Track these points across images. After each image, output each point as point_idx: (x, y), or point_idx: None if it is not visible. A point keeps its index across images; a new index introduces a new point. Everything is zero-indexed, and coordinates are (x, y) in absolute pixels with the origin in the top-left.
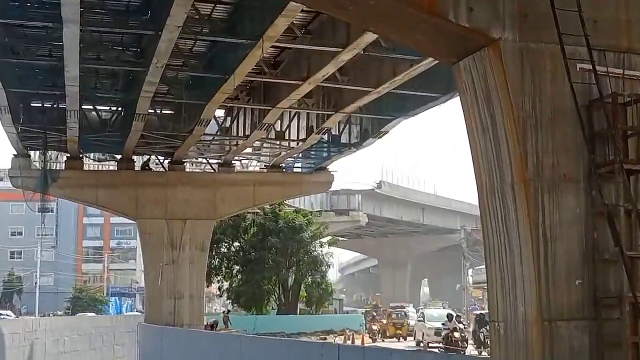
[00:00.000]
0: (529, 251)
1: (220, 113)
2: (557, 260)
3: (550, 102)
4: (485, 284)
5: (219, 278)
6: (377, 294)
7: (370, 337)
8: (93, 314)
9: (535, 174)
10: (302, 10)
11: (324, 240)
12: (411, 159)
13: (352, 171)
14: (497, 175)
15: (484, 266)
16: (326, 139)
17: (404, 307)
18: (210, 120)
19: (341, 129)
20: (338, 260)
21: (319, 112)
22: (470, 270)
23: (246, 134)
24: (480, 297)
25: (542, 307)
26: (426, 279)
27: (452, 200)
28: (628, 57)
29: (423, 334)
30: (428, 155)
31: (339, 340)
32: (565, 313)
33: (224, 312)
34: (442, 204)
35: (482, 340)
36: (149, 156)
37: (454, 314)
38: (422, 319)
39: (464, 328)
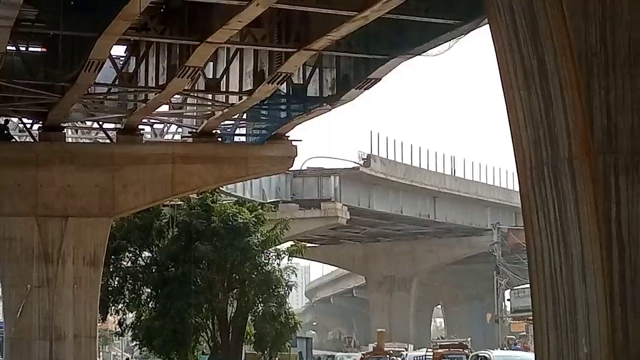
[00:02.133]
0: (595, 261)
1: (119, 51)
2: (638, 275)
3: (629, 32)
4: (530, 313)
5: (119, 307)
6: (380, 329)
7: None
8: None
9: (606, 144)
10: None
11: (283, 247)
12: (415, 122)
13: (325, 141)
14: (547, 147)
15: (527, 285)
16: (285, 91)
17: (402, 352)
18: (103, 63)
19: (307, 76)
20: (305, 279)
21: (274, 49)
22: (507, 292)
23: (160, 83)
24: (524, 333)
25: (616, 346)
26: (440, 306)
27: (478, 184)
28: None
29: None
30: (440, 116)
31: None
32: None
33: None
34: (463, 189)
35: None
36: (7, 118)
37: None
38: None
39: None
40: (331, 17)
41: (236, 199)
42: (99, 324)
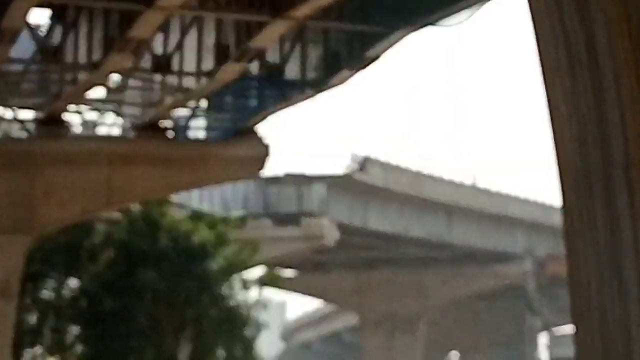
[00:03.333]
0: None
1: (41, 18)
2: None
3: None
4: None
5: (38, 351)
6: None
7: None
8: None
9: None
10: None
11: (252, 275)
12: (424, 117)
13: (308, 138)
14: (598, 151)
15: (569, 328)
16: (256, 72)
17: None
18: (19, 33)
19: (285, 54)
20: (280, 317)
21: (242, 18)
22: (544, 335)
23: (94, 60)
24: None
25: None
26: (456, 353)
27: (507, 197)
28: None
29: None
30: (458, 110)
31: None
32: None
33: None
34: (487, 204)
35: None
36: None
37: None
38: None
39: None
40: None
41: (191, 212)
42: None
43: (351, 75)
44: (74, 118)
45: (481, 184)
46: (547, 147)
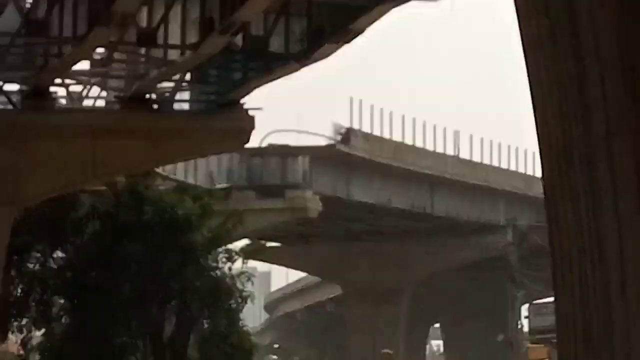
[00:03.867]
0: (639, 269)
1: None
2: None
3: None
4: (554, 335)
5: (23, 323)
6: (385, 350)
7: None
8: None
9: None
10: None
11: (236, 247)
12: (407, 88)
13: (291, 110)
14: (579, 121)
15: (551, 299)
16: (240, 45)
17: None
18: (4, 6)
19: (270, 27)
20: (264, 288)
21: None
22: (525, 307)
23: (79, 33)
24: (545, 359)
25: None
26: (438, 325)
27: (489, 168)
28: None
29: None
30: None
31: None
32: None
33: None
34: (469, 175)
35: None
36: None
37: None
38: None
39: None
40: None
41: (176, 184)
42: None
43: (335, 49)
44: (59, 91)
45: (464, 155)
46: (529, 118)
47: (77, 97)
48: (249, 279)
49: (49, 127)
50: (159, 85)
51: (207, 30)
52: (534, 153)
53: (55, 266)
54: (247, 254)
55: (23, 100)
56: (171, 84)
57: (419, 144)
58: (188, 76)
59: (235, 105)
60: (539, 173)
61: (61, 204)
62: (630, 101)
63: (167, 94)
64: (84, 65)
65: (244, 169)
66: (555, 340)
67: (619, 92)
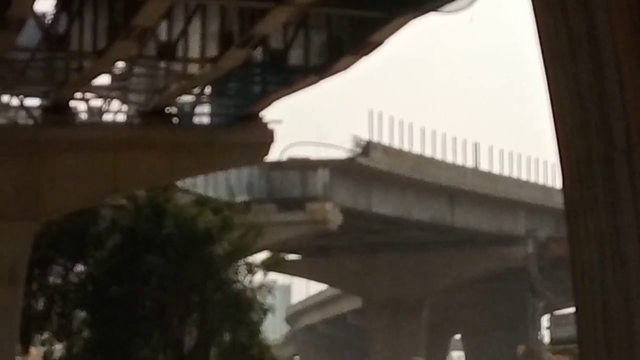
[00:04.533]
0: None
1: (46, 6)
2: None
3: None
4: (576, 346)
5: (45, 336)
6: (416, 357)
7: None
8: None
9: None
10: None
11: (256, 260)
12: (426, 101)
13: (311, 124)
14: (599, 133)
15: (572, 310)
16: (260, 59)
17: None
18: (25, 22)
19: (289, 40)
20: (284, 301)
21: (246, 4)
22: (546, 318)
23: (99, 48)
24: None
25: None
26: (459, 336)
27: (509, 180)
28: None
29: None
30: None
31: None
32: None
33: None
34: (489, 187)
35: None
36: None
37: None
38: None
39: None
40: None
41: (196, 197)
42: (18, 359)
43: (355, 61)
44: (79, 105)
45: (483, 167)
46: (549, 131)
47: (98, 112)
48: (269, 292)
49: (70, 142)
50: (178, 99)
51: (226, 43)
52: (553, 164)
53: (76, 280)
54: (267, 266)
55: (43, 114)
56: (191, 98)
57: (438, 156)
58: (208, 90)
59: (255, 118)
60: (558, 184)
61: (82, 218)
62: None
63: (187, 108)
64: (104, 79)
65: (264, 182)
66: (577, 351)
67: (639, 105)
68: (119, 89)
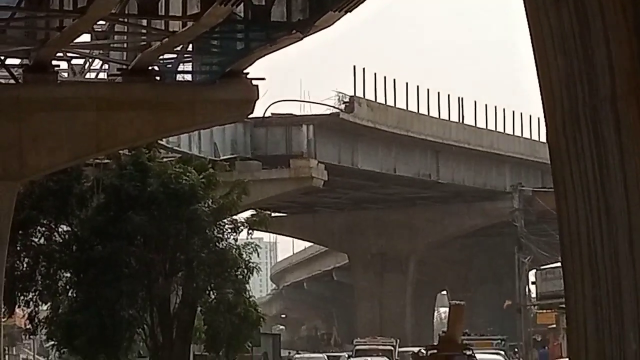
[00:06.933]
0: None
1: None
2: None
3: None
4: (562, 300)
5: (30, 297)
6: (455, 302)
7: None
8: None
9: None
10: None
11: (241, 217)
12: (411, 55)
13: (295, 80)
14: (584, 84)
15: (558, 264)
16: (242, 15)
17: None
18: None
19: None
20: (270, 258)
21: None
22: (532, 273)
23: (79, 6)
24: (554, 325)
25: None
26: (445, 292)
27: (494, 134)
28: None
29: None
30: (444, 47)
31: None
32: None
33: None
34: (474, 141)
35: None
36: None
37: None
38: None
39: None
40: None
41: (180, 155)
42: (3, 320)
43: (338, 17)
44: (61, 64)
45: (468, 122)
46: (533, 83)
47: (79, 70)
48: (255, 250)
49: (52, 101)
50: (161, 57)
51: (208, 0)
52: (539, 118)
53: (60, 240)
54: (252, 224)
55: (25, 74)
56: (173, 55)
57: (423, 111)
58: (190, 47)
59: (238, 75)
60: (544, 138)
61: (65, 178)
62: (636, 63)
63: (170, 65)
64: (85, 38)
65: (247, 139)
66: (562, 306)
67: (625, 54)
68: (101, 47)
